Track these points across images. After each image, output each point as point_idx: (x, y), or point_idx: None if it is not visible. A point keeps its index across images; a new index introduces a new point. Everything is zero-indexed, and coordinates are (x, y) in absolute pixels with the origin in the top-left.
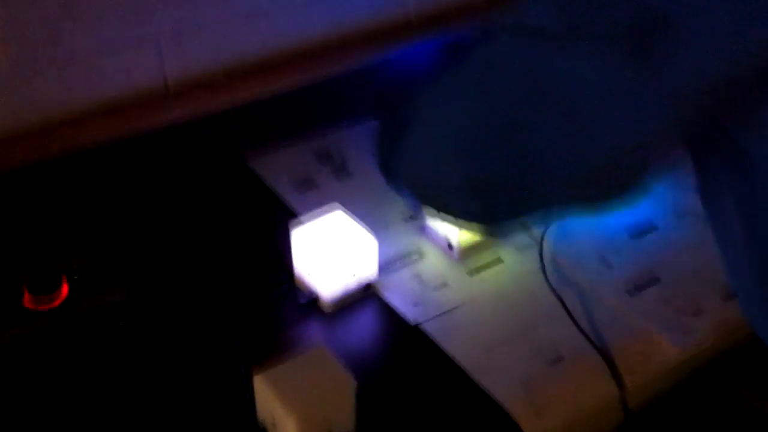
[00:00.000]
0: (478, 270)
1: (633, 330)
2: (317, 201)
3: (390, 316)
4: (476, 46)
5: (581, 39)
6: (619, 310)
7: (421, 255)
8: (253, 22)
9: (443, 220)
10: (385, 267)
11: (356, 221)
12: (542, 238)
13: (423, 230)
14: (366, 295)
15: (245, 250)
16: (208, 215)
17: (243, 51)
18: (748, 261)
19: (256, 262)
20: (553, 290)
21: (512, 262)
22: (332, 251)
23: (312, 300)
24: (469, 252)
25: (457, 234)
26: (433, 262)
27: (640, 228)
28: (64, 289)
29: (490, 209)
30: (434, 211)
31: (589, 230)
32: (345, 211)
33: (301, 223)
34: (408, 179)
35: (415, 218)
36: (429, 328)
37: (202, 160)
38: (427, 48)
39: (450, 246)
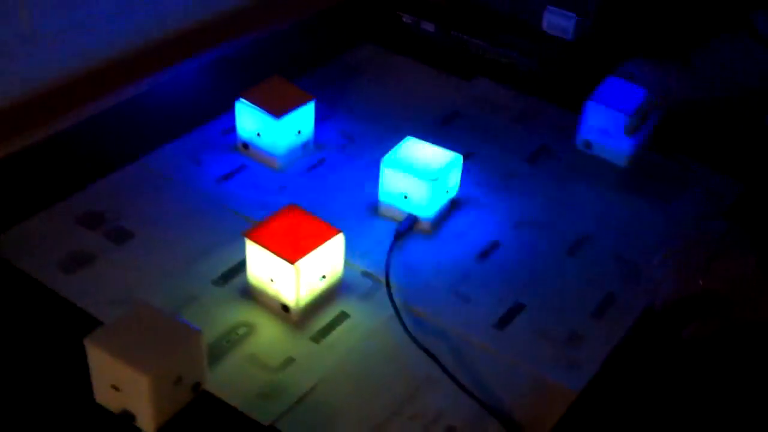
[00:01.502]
0: (324, 332)
1: (517, 377)
2: (96, 281)
3: (234, 420)
4: None
5: None
6: (495, 353)
7: (250, 327)
8: None
9: None
10: (208, 353)
11: (167, 314)
12: (387, 280)
13: (246, 293)
14: (195, 397)
15: (13, 376)
16: None
17: None
18: None
19: (34, 389)
20: (420, 345)
21: (360, 316)
22: (145, 357)
23: (128, 420)
24: (308, 311)
25: (293, 291)
26: (267, 334)
27: (483, 247)
28: None
29: None
30: None
31: (432, 261)
32: (148, 304)
33: (95, 328)
34: None
35: (228, 278)
36: (288, 425)
37: None
38: (189, 68)
39: (285, 308)
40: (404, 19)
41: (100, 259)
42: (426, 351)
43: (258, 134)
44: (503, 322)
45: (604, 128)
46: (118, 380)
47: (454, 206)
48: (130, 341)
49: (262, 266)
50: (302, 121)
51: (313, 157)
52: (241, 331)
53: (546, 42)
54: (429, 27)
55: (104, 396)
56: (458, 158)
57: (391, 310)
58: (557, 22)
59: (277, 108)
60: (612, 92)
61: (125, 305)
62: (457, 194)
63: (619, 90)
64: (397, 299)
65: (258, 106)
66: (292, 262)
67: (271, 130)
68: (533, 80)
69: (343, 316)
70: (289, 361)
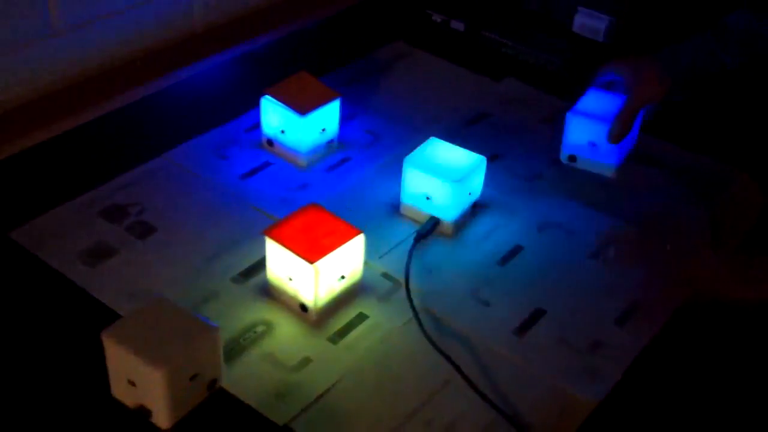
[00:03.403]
0: (342, 333)
1: (535, 385)
2: (116, 274)
3: (248, 419)
4: None
5: None
6: (513, 360)
7: (268, 325)
8: None
9: None
10: (225, 350)
11: (185, 310)
12: (407, 282)
13: (265, 291)
14: (211, 394)
15: (30, 367)
16: None
17: None
18: None
19: (51, 381)
20: (438, 349)
21: (379, 317)
22: (162, 353)
23: (144, 416)
24: (327, 312)
25: (311, 291)
26: (285, 333)
27: (506, 251)
28: None
29: None
30: None
31: (453, 264)
32: (168, 300)
33: (113, 321)
34: None
35: (248, 276)
36: (303, 426)
37: None
38: (217, 63)
39: (304, 308)
40: (434, 18)
41: (121, 252)
42: (444, 355)
43: (282, 131)
44: (523, 329)
45: (588, 141)
46: (133, 375)
47: (477, 209)
48: (147, 336)
49: (282, 265)
50: (327, 118)
51: (337, 155)
52: (259, 329)
53: (577, 43)
54: (459, 26)
55: (120, 391)
56: (482, 160)
57: (410, 313)
58: (589, 23)
59: (302, 105)
60: (592, 103)
61: (144, 299)
62: (480, 197)
63: (600, 100)
64: (416, 302)
65: (283, 102)
66: (311, 262)
67: (296, 128)
68: (563, 81)
69: (361, 317)
70: (306, 361)
